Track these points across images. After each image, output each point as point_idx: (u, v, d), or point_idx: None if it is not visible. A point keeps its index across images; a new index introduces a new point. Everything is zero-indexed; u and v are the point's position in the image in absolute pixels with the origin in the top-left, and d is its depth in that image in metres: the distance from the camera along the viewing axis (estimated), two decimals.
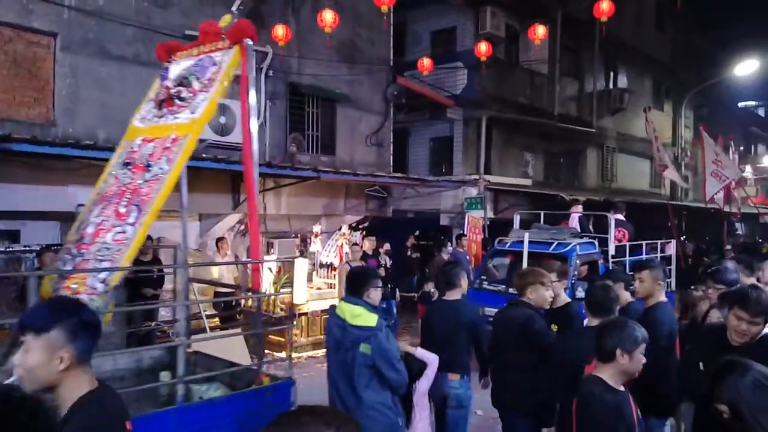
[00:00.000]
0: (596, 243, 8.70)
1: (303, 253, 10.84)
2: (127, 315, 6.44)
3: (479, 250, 11.07)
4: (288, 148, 10.95)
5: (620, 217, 9.35)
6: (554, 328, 4.49)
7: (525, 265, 7.62)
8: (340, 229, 11.68)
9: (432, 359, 4.09)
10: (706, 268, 5.46)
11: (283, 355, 8.93)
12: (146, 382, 4.06)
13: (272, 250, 10.60)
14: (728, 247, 13.14)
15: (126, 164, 4.13)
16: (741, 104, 34.67)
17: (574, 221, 9.46)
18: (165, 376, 4.19)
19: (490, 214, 12.69)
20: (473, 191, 12.41)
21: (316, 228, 11.24)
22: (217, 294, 9.54)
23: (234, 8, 4.86)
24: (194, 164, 7.95)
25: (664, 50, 22.78)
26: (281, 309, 9.12)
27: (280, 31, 9.36)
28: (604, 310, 3.67)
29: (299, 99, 11.23)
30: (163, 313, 8.73)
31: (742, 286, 3.92)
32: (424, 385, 4.00)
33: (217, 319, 9.37)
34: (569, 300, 4.85)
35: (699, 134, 13.27)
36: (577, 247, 8.22)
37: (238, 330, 8.53)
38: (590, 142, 18.83)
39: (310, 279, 10.33)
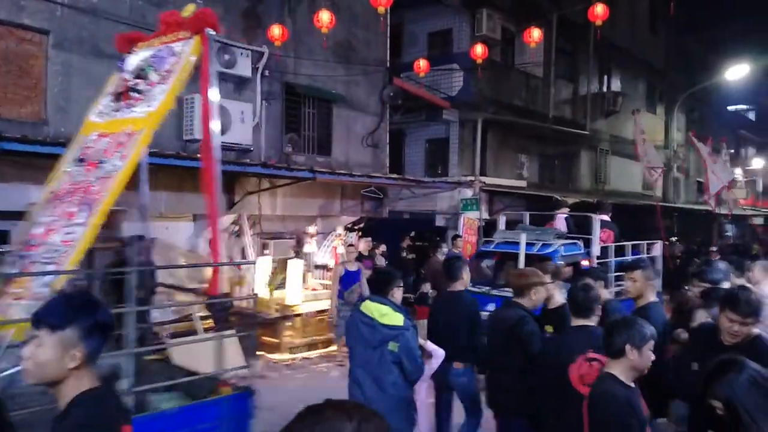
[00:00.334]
0: (581, 244, 8.66)
1: (298, 254, 10.80)
2: (117, 318, 6.37)
3: (474, 251, 11.06)
4: (284, 149, 10.89)
5: (605, 218, 9.31)
6: (549, 329, 4.51)
7: (522, 266, 7.60)
8: (335, 230, 11.65)
9: (439, 353, 4.37)
10: (695, 269, 5.57)
11: (277, 356, 8.89)
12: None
13: (267, 251, 10.56)
14: (714, 248, 13.22)
15: (80, 161, 3.94)
16: (731, 108, 34.88)
17: (560, 222, 9.43)
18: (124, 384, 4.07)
19: (486, 216, 12.70)
20: (469, 192, 12.40)
21: (312, 229, 11.20)
22: (210, 296, 9.48)
23: None
24: (187, 164, 7.92)
25: (657, 54, 22.91)
26: (276, 310, 9.07)
27: (276, 31, 9.30)
28: (585, 310, 3.66)
29: (295, 99, 11.17)
30: (156, 315, 8.66)
31: (732, 287, 3.99)
32: (426, 372, 4.21)
33: (211, 320, 9.29)
34: (564, 301, 4.83)
35: (689, 141, 13.41)
36: (561, 248, 8.19)
37: (208, 334, 8.49)
38: (584, 145, 18.90)
39: (304, 280, 10.28)
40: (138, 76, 4.02)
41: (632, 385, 2.92)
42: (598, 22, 9.19)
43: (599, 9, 8.96)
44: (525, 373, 4.09)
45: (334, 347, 9.24)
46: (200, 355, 7.84)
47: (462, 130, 14.48)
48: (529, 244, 8.21)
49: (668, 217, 20.55)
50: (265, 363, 8.72)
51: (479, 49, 10.97)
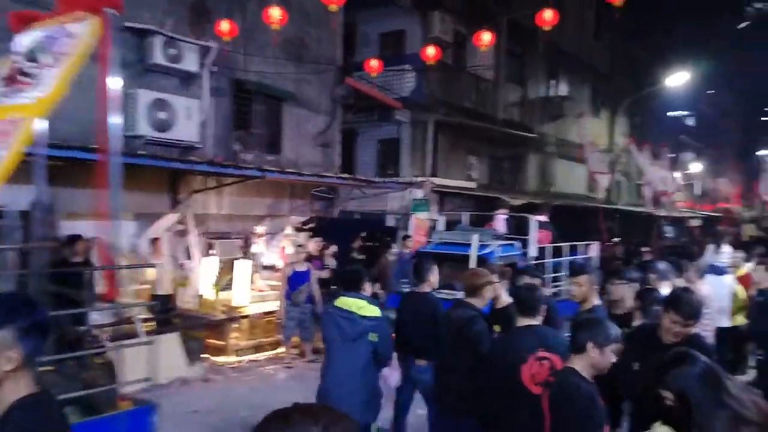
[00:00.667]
0: (518, 245, 8.73)
1: (245, 254, 10.58)
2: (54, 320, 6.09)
3: None
4: (232, 147, 10.66)
5: (543, 219, 9.46)
6: (497, 328, 4.53)
7: (473, 266, 7.59)
8: (284, 230, 11.47)
9: (393, 379, 5.02)
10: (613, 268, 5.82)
11: (222, 359, 8.69)
12: None
13: (213, 251, 10.31)
14: (646, 249, 13.60)
15: None
16: (672, 114, 36.18)
17: (499, 223, 9.51)
18: None
19: (436, 216, 12.74)
20: (420, 193, 12.43)
21: (260, 229, 10.99)
22: (153, 297, 9.21)
23: None
24: (129, 161, 7.64)
25: (602, 59, 23.56)
26: (221, 311, 8.87)
27: (225, 26, 9.08)
28: (531, 309, 3.68)
29: (244, 96, 10.94)
30: (95, 318, 8.34)
31: (675, 289, 4.05)
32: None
33: (152, 322, 9.02)
34: (511, 300, 4.87)
35: (627, 148, 13.78)
36: (498, 249, 8.24)
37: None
38: (532, 147, 19.26)
39: (252, 281, 10.09)
40: (29, 59, 3.69)
41: (592, 381, 2.97)
42: (547, 27, 9.31)
43: (548, 14, 9.08)
44: (474, 373, 4.09)
45: (282, 349, 9.09)
46: (140, 358, 7.62)
47: (414, 131, 14.52)
48: (464, 245, 8.23)
49: (611, 219, 21.17)
50: (210, 366, 8.51)
51: (431, 51, 10.98)
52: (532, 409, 3.26)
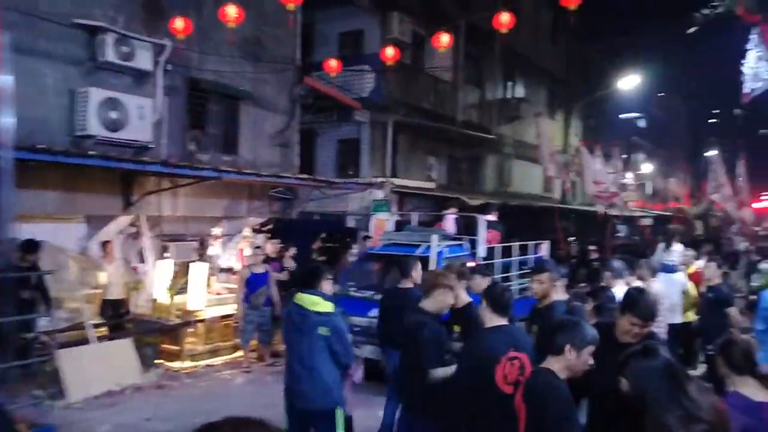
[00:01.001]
0: (466, 245, 8.64)
1: (201, 257, 10.38)
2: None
3: None
4: (187, 147, 10.43)
5: (491, 218, 9.33)
6: (457, 328, 4.55)
7: (432, 267, 7.50)
8: (242, 231, 11.30)
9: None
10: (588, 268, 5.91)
11: (177, 364, 8.49)
12: None
13: (167, 254, 10.08)
14: (592, 247, 13.87)
15: None
16: (624, 116, 37.12)
17: (449, 223, 9.40)
18: None
19: (396, 217, 12.75)
20: (380, 194, 12.41)
21: (216, 230, 10.81)
22: (104, 302, 8.95)
23: None
24: (79, 162, 7.41)
25: (557, 62, 24.00)
26: (176, 316, 8.67)
27: (179, 23, 8.86)
28: (504, 309, 3.70)
29: (200, 95, 10.72)
30: (44, 323, 8.06)
31: (632, 289, 4.05)
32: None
33: (104, 328, 8.77)
34: (470, 300, 4.89)
35: (578, 150, 13.99)
36: (446, 249, 8.08)
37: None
38: (490, 148, 19.49)
39: (208, 284, 9.90)
40: None
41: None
42: (504, 31, 9.36)
43: (504, 17, 9.14)
44: (424, 378, 4.09)
45: (239, 353, 8.94)
46: (92, 365, 7.41)
47: (373, 132, 14.50)
48: (412, 246, 8.13)
49: (566, 219, 21.57)
50: (165, 372, 8.32)
51: (390, 51, 10.95)
52: (505, 409, 3.26)
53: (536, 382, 2.95)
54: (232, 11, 8.42)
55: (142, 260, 9.91)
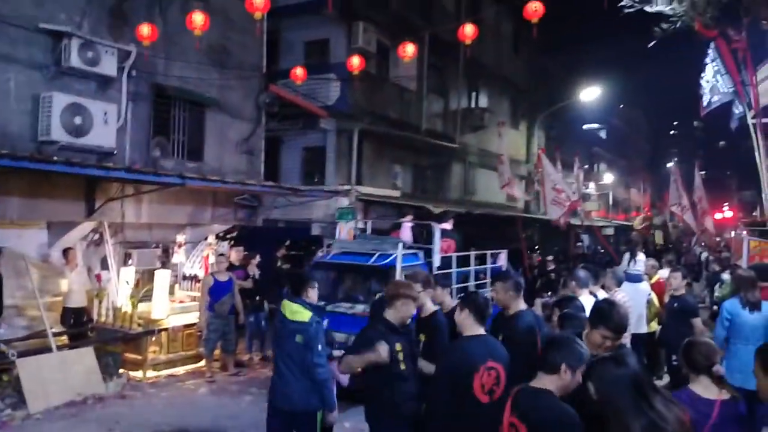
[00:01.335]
0: (421, 254, 8.34)
1: (165, 264, 10.31)
2: None
3: None
4: (151, 153, 10.36)
5: (447, 227, 8.98)
6: (422, 337, 4.61)
7: (398, 276, 7.38)
8: (206, 239, 11.25)
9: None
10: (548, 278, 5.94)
11: (139, 374, 8.41)
12: None
13: (130, 261, 9.98)
14: (549, 258, 14.07)
15: None
16: (586, 126, 37.95)
17: (405, 231, 9.10)
18: None
19: (361, 225, 12.83)
20: (345, 201, 12.47)
21: (180, 238, 10.74)
22: (65, 310, 8.83)
23: None
24: (42, 167, 7.31)
25: (520, 73, 24.44)
26: (138, 324, 8.59)
27: (145, 29, 8.81)
28: (483, 318, 3.75)
29: (165, 102, 10.66)
30: (2, 332, 7.92)
31: (601, 301, 4.08)
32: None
33: (65, 336, 8.64)
34: (436, 309, 4.96)
35: (538, 158, 14.16)
36: (399, 259, 7.81)
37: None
38: (454, 157, 19.73)
39: (172, 292, 9.84)
40: None
41: None
42: (467, 42, 9.53)
43: (468, 29, 9.33)
44: (397, 380, 4.14)
45: (203, 362, 8.89)
46: (53, 374, 7.31)
47: (339, 140, 14.57)
48: (365, 255, 7.88)
49: (530, 228, 21.95)
50: (128, 381, 8.23)
51: (355, 61, 11.06)
52: (481, 418, 3.38)
53: (538, 404, 2.80)
54: (198, 18, 8.43)
55: (104, 267, 9.79)
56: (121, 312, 8.69)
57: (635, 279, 7.91)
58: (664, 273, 9.14)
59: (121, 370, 8.36)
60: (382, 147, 15.88)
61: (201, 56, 10.87)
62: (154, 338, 8.63)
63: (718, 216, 33.11)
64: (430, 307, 4.88)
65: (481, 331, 3.73)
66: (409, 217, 9.50)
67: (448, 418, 3.58)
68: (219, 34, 11.30)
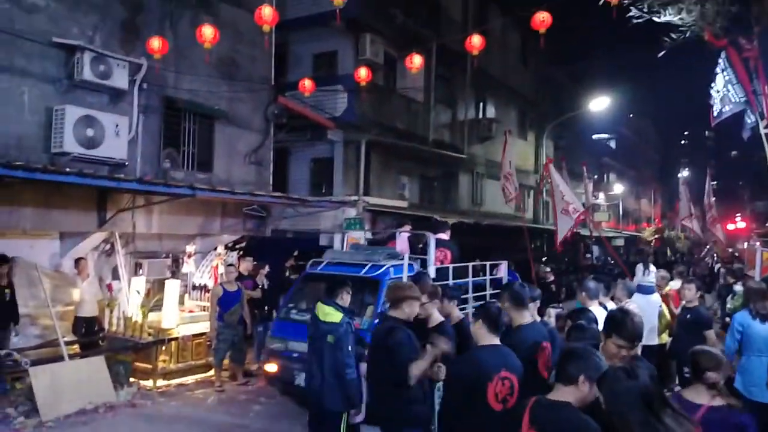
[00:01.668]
0: (416, 265, 7.86)
1: (175, 274, 10.40)
2: None
3: None
4: (161, 164, 10.49)
5: (443, 236, 8.63)
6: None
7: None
8: (215, 249, 11.34)
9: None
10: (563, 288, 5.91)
11: (150, 383, 8.48)
12: None
13: (141, 271, 10.09)
14: (548, 269, 13.95)
15: None
16: (595, 136, 37.90)
17: (402, 242, 8.71)
18: None
19: (369, 235, 12.89)
20: (353, 212, 12.54)
21: (190, 248, 10.83)
22: (77, 319, 8.93)
23: None
24: (55, 178, 7.44)
25: (527, 84, 24.51)
26: (148, 334, 8.67)
27: (156, 43, 8.97)
28: (498, 329, 3.79)
29: (175, 114, 10.81)
30: (16, 341, 8.02)
31: (612, 312, 4.02)
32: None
33: (77, 345, 8.74)
34: (443, 319, 5.00)
35: (545, 168, 14.06)
36: (391, 269, 7.44)
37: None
38: (462, 168, 19.77)
39: (182, 301, 9.92)
40: None
41: None
42: (475, 52, 9.58)
43: (476, 40, 9.41)
44: (401, 385, 4.18)
45: (212, 372, 8.94)
46: (65, 383, 7.39)
47: (346, 151, 14.67)
48: (356, 266, 7.57)
49: (539, 239, 21.92)
50: (138, 390, 8.30)
51: (363, 72, 11.18)
52: (494, 427, 3.40)
53: (556, 416, 2.78)
54: (208, 32, 8.56)
55: (115, 277, 9.90)
56: (132, 321, 8.77)
57: (647, 290, 7.84)
58: (675, 284, 9.12)
59: (131, 379, 8.43)
60: (389, 158, 15.96)
61: (211, 69, 11.02)
62: (164, 348, 8.69)
63: (730, 227, 32.85)
64: (437, 318, 4.92)
65: (496, 341, 3.77)
66: (407, 227, 9.21)
67: (461, 426, 3.62)
68: (228, 47, 11.47)
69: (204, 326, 9.10)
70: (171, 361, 8.82)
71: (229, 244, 11.87)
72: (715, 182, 24.10)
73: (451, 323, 5.11)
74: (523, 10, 8.76)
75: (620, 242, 32.80)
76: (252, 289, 9.66)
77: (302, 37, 15.04)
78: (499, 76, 21.30)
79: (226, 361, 8.87)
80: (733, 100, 9.25)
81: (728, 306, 9.52)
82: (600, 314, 5.09)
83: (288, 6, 14.29)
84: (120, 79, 9.40)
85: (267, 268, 10.30)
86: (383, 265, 7.44)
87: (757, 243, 12.55)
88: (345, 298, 5.26)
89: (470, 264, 8.44)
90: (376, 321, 5.86)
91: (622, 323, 3.43)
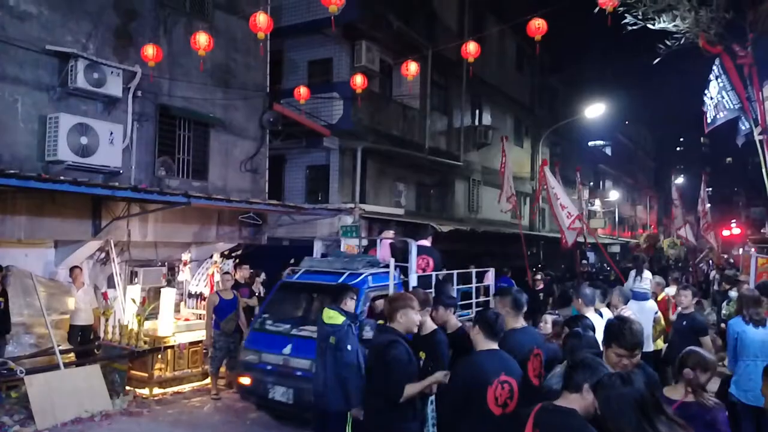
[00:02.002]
0: (396, 273, 7.53)
1: (170, 283, 10.36)
2: None
3: None
4: (156, 172, 10.47)
5: (425, 243, 8.34)
6: (422, 355, 4.62)
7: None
8: (211, 257, 11.30)
9: None
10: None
11: (146, 391, 8.43)
12: None
13: (136, 280, 10.04)
14: (538, 277, 13.92)
15: None
16: (591, 143, 38.03)
17: (384, 248, 8.40)
18: None
19: (365, 243, 12.86)
20: (349, 219, 12.54)
21: (185, 256, 10.80)
22: (72, 328, 8.88)
23: None
24: (49, 187, 7.41)
25: (523, 91, 24.60)
26: (144, 342, 8.62)
27: (150, 50, 8.96)
28: (496, 334, 3.81)
29: (170, 121, 10.79)
30: (11, 349, 7.97)
31: (611, 321, 3.95)
32: None
33: (72, 354, 8.69)
34: (436, 327, 4.96)
35: (540, 171, 14.05)
36: (370, 278, 7.17)
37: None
38: (458, 175, 19.79)
39: (177, 310, 9.87)
40: None
41: None
42: (470, 60, 9.59)
43: (471, 47, 9.41)
44: (392, 401, 4.15)
45: (208, 380, 8.89)
46: (61, 391, 7.34)
47: (342, 158, 14.68)
48: (334, 274, 7.33)
49: (535, 245, 21.93)
50: (134, 398, 8.25)
51: (359, 80, 11.19)
52: (494, 430, 3.45)
53: (559, 423, 2.80)
54: (202, 39, 8.57)
55: (111, 286, 9.86)
56: (128, 330, 8.72)
57: (641, 297, 7.84)
58: (670, 291, 9.11)
59: (127, 388, 8.37)
60: (385, 165, 15.97)
61: (205, 76, 11.02)
62: (160, 356, 8.64)
63: (725, 233, 32.90)
64: (430, 326, 4.88)
65: (494, 345, 3.79)
66: (390, 233, 8.97)
67: (461, 429, 3.63)
68: (223, 55, 11.49)
69: (200, 334, 9.05)
70: (167, 370, 8.77)
71: (225, 252, 11.83)
72: (710, 189, 24.13)
73: (449, 332, 5.07)
74: (519, 18, 8.78)
75: (616, 249, 32.82)
76: (248, 297, 9.62)
77: (297, 44, 15.07)
78: (494, 83, 21.39)
79: (222, 369, 8.82)
80: (727, 107, 9.26)
81: (723, 312, 9.52)
82: (595, 321, 5.08)
83: (283, 13, 14.34)
84: (114, 86, 9.38)
85: (263, 276, 10.27)
86: (361, 274, 7.21)
87: (752, 249, 12.55)
88: (349, 304, 5.61)
89: (455, 272, 8.20)
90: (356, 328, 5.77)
91: (620, 332, 3.40)
